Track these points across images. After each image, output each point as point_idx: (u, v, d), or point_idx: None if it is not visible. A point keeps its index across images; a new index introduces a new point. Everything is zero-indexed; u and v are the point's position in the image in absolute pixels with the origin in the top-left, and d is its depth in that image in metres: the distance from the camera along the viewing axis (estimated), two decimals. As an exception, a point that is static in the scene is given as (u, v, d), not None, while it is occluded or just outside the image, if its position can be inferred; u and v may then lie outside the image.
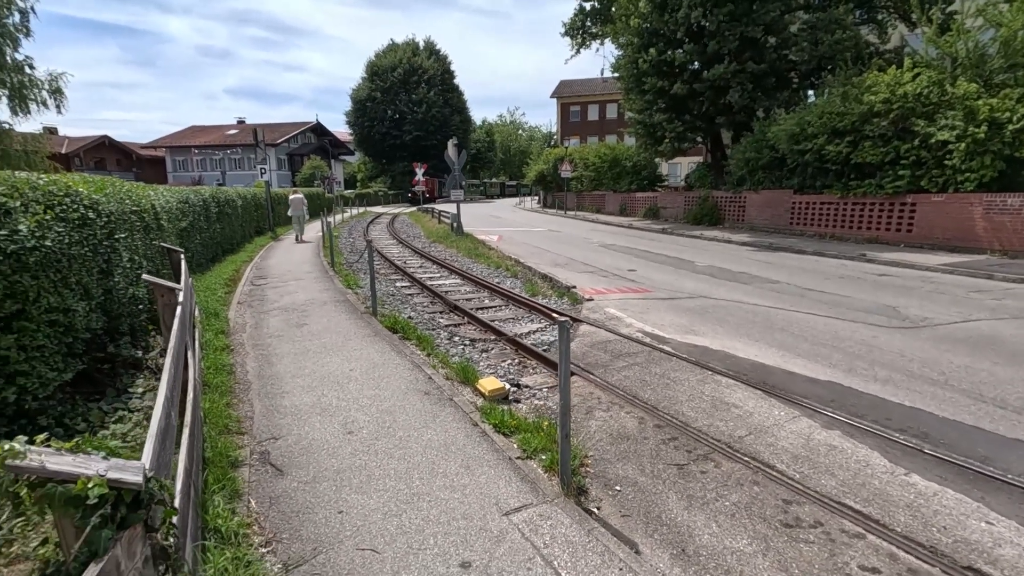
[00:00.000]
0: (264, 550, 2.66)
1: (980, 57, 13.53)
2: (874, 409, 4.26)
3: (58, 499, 1.14)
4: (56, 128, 42.93)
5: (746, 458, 3.57)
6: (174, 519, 1.50)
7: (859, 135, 14.19)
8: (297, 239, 17.80)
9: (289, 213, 19.08)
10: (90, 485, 1.17)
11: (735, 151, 19.91)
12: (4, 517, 1.20)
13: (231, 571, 2.27)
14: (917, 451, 3.59)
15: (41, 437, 1.24)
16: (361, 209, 38.31)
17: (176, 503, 1.59)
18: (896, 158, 13.62)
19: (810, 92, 20.34)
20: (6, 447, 1.12)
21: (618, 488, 3.35)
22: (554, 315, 7.18)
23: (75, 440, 1.31)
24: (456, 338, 6.83)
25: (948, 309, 7.41)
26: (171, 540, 1.43)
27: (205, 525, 2.63)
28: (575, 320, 7.20)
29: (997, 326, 6.53)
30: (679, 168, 39.83)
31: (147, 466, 1.38)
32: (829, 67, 17.67)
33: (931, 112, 13.03)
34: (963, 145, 12.12)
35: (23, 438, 1.17)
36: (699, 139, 23.53)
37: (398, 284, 10.44)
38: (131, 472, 1.27)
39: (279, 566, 2.53)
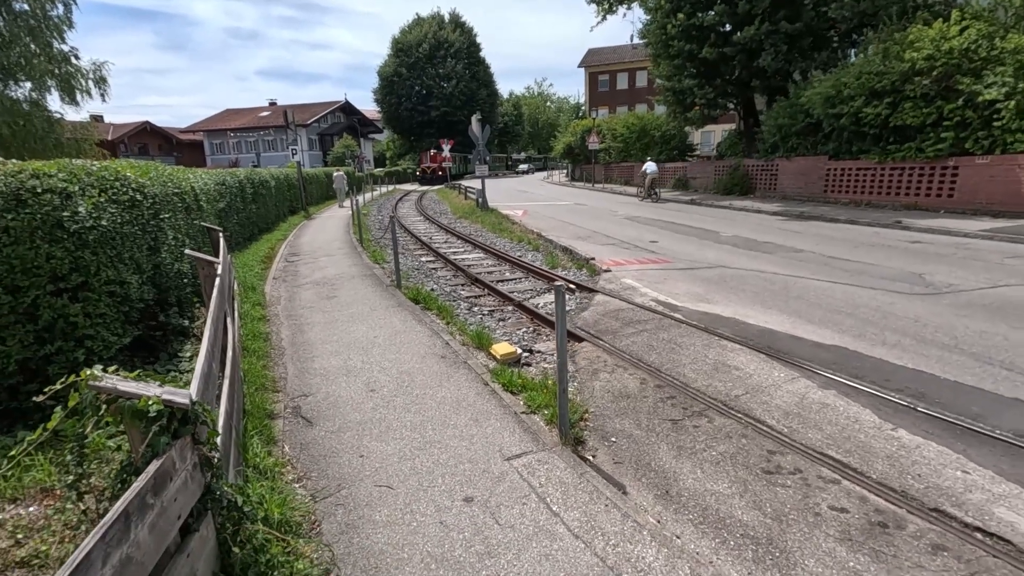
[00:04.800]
0: (296, 485, 3.07)
1: (1038, 6, 12.58)
2: (875, 371, 4.35)
3: (127, 411, 1.49)
4: (102, 116, 44.97)
5: (739, 414, 3.77)
6: (217, 440, 1.86)
7: (899, 96, 13.50)
8: (339, 206, 23.99)
9: (335, 186, 26.04)
10: (150, 402, 1.51)
11: (767, 117, 19.22)
12: (90, 428, 1.56)
13: (268, 497, 2.67)
14: (910, 409, 3.70)
15: (112, 368, 1.60)
16: (391, 187, 38.94)
17: (219, 427, 1.95)
18: (939, 119, 12.93)
19: (851, 52, 19.31)
20: (88, 372, 1.47)
21: (614, 440, 3.62)
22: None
23: (137, 372, 1.66)
24: (475, 308, 7.15)
25: (977, 275, 7.23)
26: (214, 454, 1.79)
27: (245, 463, 3.06)
28: (592, 290, 7.41)
29: (1025, 292, 6.37)
30: (711, 136, 38.55)
31: (192, 395, 1.73)
32: (872, 23, 16.69)
33: (978, 69, 12.26)
34: (1012, 103, 11.43)
35: (100, 367, 1.53)
36: (731, 105, 22.74)
37: (423, 259, 10.83)
38: (181, 396, 1.61)
39: (308, 497, 2.94)
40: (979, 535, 2.53)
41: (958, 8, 13.94)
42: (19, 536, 2.50)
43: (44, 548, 2.36)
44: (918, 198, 13.79)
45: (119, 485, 1.53)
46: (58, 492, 2.98)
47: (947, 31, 12.90)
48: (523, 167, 67.10)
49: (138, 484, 1.37)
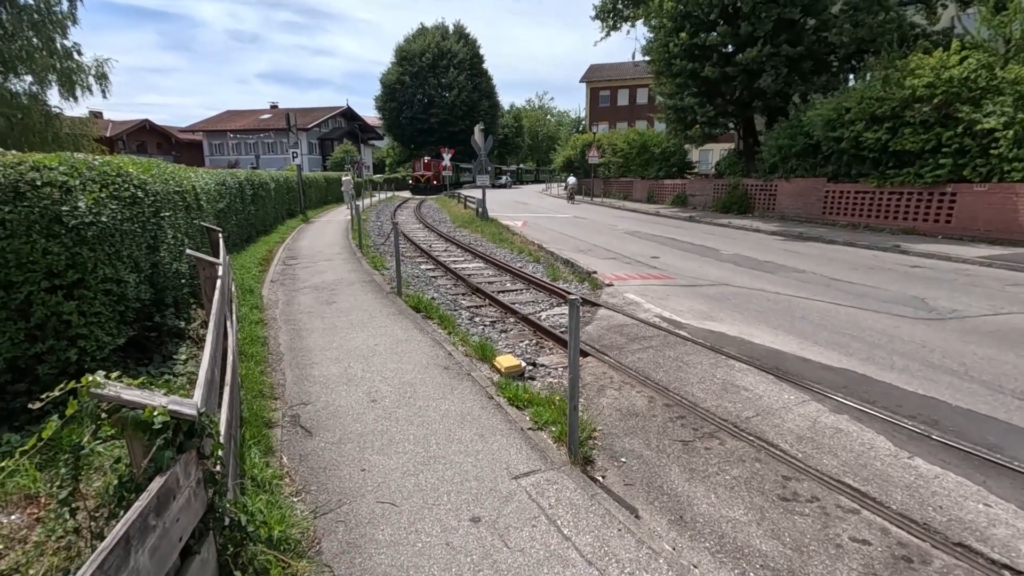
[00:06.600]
0: (295, 499, 2.93)
1: (1036, 38, 12.83)
2: (886, 396, 4.28)
3: (130, 422, 1.37)
4: (101, 112, 44.71)
5: (751, 437, 3.68)
6: (220, 452, 1.74)
7: (899, 121, 13.67)
8: (348, 208, 22.63)
9: (343, 190, 25.91)
10: (155, 413, 1.40)
11: (768, 137, 19.42)
12: (86, 439, 1.45)
13: (266, 512, 2.54)
14: (924, 437, 3.63)
15: (115, 374, 1.49)
16: (389, 194, 38.84)
17: (222, 439, 1.83)
18: (937, 146, 13.08)
19: (850, 76, 19.59)
20: (90, 379, 1.36)
21: (623, 460, 3.51)
22: (572, 295, 7.31)
23: (141, 379, 1.55)
24: (477, 318, 7.05)
25: (980, 302, 7.22)
26: (219, 468, 1.67)
27: (243, 474, 2.92)
28: (594, 304, 7.33)
29: (1029, 320, 6.36)
30: (710, 155, 38.91)
31: (198, 404, 1.61)
32: (871, 50, 16.97)
33: (977, 98, 12.44)
34: (1011, 133, 11.58)
35: (103, 372, 1.41)
36: (731, 125, 22.97)
37: (423, 267, 10.72)
38: (188, 407, 1.50)
39: (308, 512, 2.80)
40: (1008, 573, 2.44)
41: (958, 38, 14.19)
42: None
43: (24, 562, 2.21)
44: (916, 223, 13.90)
45: (116, 502, 1.41)
46: (42, 500, 2.82)
47: (947, 60, 13.11)
48: (503, 179, 54.64)
49: (140, 503, 1.26)
